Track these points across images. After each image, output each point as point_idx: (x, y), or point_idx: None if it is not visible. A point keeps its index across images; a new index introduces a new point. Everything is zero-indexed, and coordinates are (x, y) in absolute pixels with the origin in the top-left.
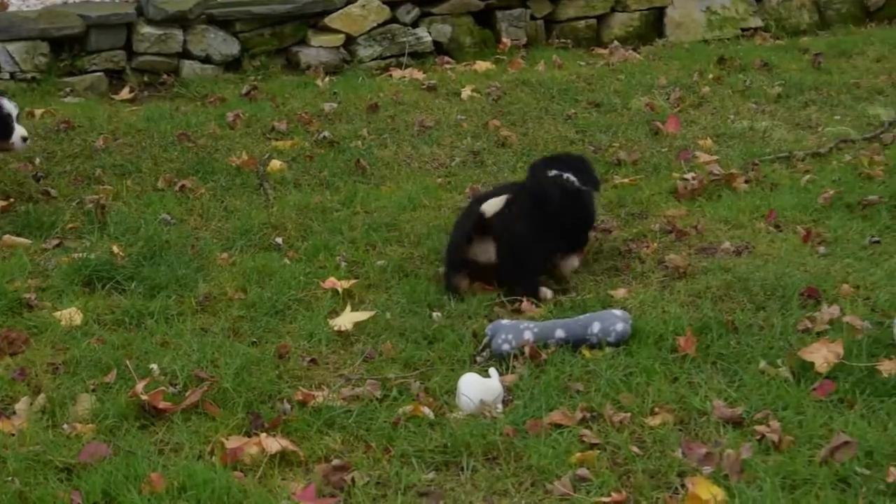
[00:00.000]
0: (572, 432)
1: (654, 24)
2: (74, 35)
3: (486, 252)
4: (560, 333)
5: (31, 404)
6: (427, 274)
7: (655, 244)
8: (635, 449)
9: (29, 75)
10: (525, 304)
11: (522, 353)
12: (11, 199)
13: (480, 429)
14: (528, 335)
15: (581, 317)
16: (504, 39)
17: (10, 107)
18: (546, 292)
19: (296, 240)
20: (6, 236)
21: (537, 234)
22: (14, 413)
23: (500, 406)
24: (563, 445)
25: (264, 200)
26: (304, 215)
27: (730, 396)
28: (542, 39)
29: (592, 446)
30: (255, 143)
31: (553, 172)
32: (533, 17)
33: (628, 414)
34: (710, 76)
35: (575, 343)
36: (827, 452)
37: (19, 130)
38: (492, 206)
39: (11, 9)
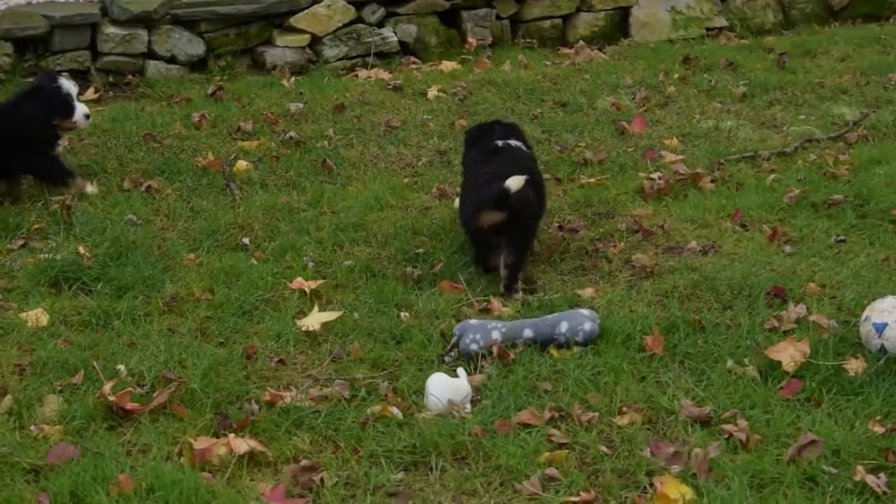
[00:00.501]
0: (541, 432)
1: (620, 24)
2: (38, 35)
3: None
4: (528, 333)
5: None
6: (395, 274)
7: (622, 244)
8: (604, 448)
9: None
10: (493, 304)
11: (490, 353)
12: None
13: (449, 429)
14: (496, 335)
15: (549, 316)
16: (470, 39)
17: (70, 86)
18: None
19: (263, 240)
20: None
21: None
22: None
23: (468, 406)
24: (532, 445)
25: (231, 201)
26: (271, 215)
27: (697, 396)
28: (507, 39)
29: (561, 446)
30: (222, 143)
31: (500, 142)
32: (499, 17)
33: (597, 413)
34: (676, 76)
35: (543, 343)
36: (794, 451)
37: (81, 108)
38: (515, 184)
39: None
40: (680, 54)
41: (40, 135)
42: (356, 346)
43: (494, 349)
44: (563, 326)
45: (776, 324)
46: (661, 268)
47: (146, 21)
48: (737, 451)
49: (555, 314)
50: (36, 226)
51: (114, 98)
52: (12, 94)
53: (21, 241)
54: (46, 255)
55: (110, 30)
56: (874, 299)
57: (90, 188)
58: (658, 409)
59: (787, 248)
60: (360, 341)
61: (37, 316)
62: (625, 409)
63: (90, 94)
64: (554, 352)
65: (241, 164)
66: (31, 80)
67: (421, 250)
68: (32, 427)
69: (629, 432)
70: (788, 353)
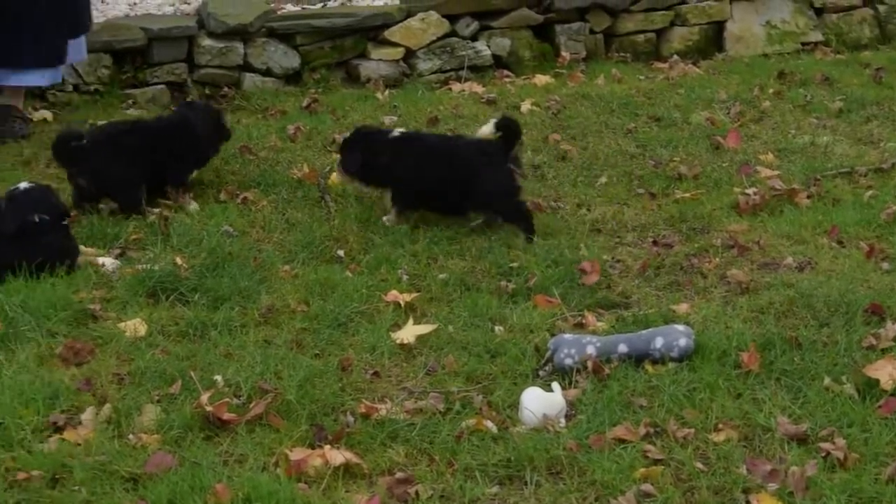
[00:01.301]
0: (636, 447)
1: (714, 39)
2: (136, 48)
3: None
4: (623, 348)
5: (97, 414)
6: (489, 287)
7: (717, 259)
8: (699, 465)
9: (92, 87)
10: (588, 318)
11: (585, 368)
12: (75, 212)
13: (544, 443)
14: (590, 350)
15: (644, 332)
16: (563, 53)
17: None
18: None
19: (357, 252)
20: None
21: None
22: (80, 423)
23: (562, 420)
24: (627, 461)
25: (325, 213)
26: (366, 228)
27: (794, 413)
28: (601, 53)
29: (656, 462)
30: (316, 155)
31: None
32: (592, 31)
33: (692, 430)
34: (771, 91)
35: (638, 358)
36: (893, 470)
37: None
38: None
39: None
40: (775, 69)
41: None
42: (451, 359)
43: (589, 364)
44: (659, 342)
45: (874, 341)
46: (757, 284)
47: (242, 34)
48: (834, 470)
49: (650, 329)
50: (133, 236)
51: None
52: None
53: (118, 251)
54: (144, 266)
55: (207, 42)
56: None
57: (193, 206)
58: (754, 427)
59: (885, 265)
60: (454, 354)
61: (135, 326)
62: (721, 425)
63: None
64: (649, 367)
65: (336, 176)
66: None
67: (515, 264)
68: (131, 436)
69: (725, 449)
70: (887, 372)
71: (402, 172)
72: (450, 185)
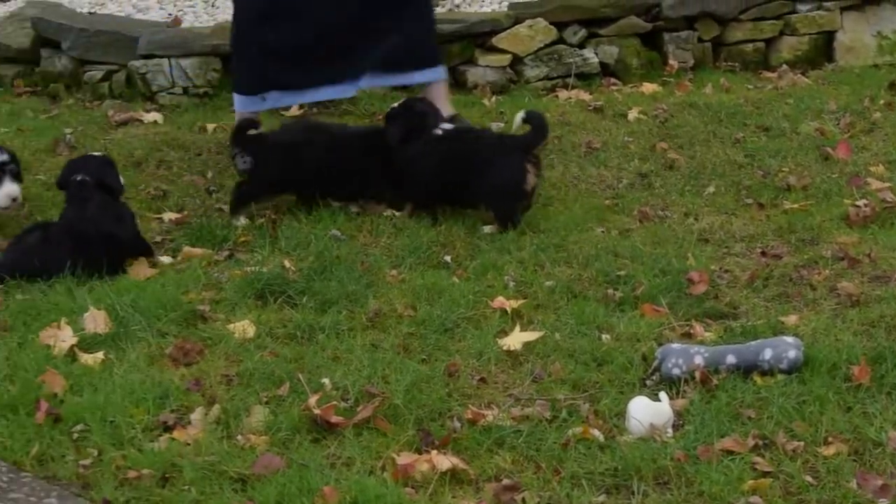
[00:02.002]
0: (744, 459)
1: (823, 49)
2: None
3: None
4: (731, 359)
5: (206, 415)
6: (595, 295)
7: (827, 271)
8: (809, 478)
9: (201, 90)
10: (696, 328)
11: (693, 378)
12: (185, 212)
13: (651, 453)
14: (698, 360)
15: (752, 343)
16: (671, 61)
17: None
18: None
19: (464, 258)
20: (185, 248)
21: None
22: (189, 423)
23: (670, 430)
24: (735, 472)
25: (432, 219)
26: (473, 234)
27: None
28: (709, 62)
29: (765, 474)
30: None
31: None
32: (700, 40)
33: (801, 443)
34: (882, 102)
35: (746, 369)
36: None
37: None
38: None
39: (185, 25)
40: (886, 80)
41: None
42: (557, 366)
43: (697, 374)
44: (768, 353)
45: None
46: (868, 297)
47: None
48: None
49: (758, 341)
50: (242, 238)
51: (317, 114)
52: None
53: (227, 252)
54: (253, 268)
55: None
56: None
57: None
58: (865, 441)
59: None
60: (561, 362)
61: (243, 327)
62: (830, 439)
63: (294, 109)
64: (757, 379)
65: None
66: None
67: (622, 272)
68: (239, 437)
69: (835, 463)
70: None
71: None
72: (458, 177)
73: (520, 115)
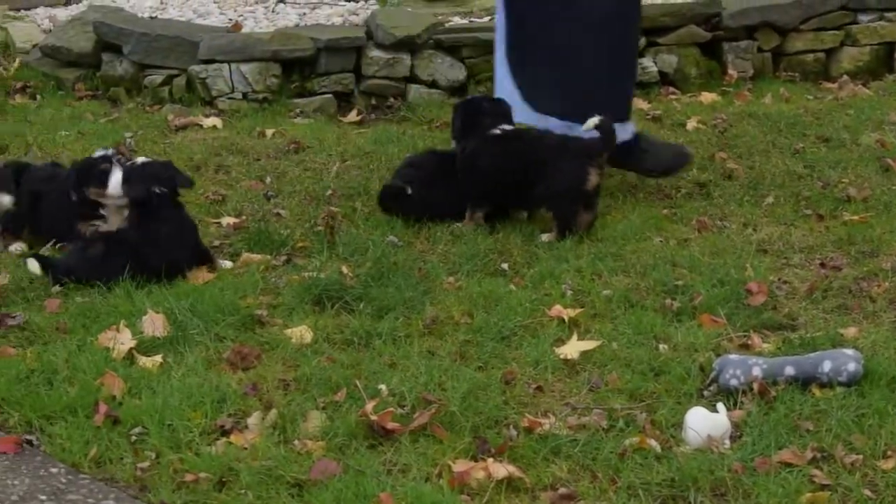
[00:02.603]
0: (802, 472)
1: (885, 60)
2: (305, 57)
3: None
4: (790, 371)
5: (263, 419)
6: (653, 305)
7: (887, 283)
8: (867, 492)
9: (261, 96)
10: (754, 340)
11: (751, 389)
12: (244, 217)
13: (708, 464)
14: (756, 371)
15: (811, 355)
16: (730, 71)
17: None
18: None
19: (521, 266)
20: (245, 253)
21: None
22: (246, 427)
23: (727, 442)
24: (793, 485)
25: (489, 226)
26: (530, 242)
27: None
28: (768, 72)
29: (823, 487)
30: None
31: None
32: (760, 50)
33: (860, 456)
34: None
35: (805, 381)
36: None
37: None
38: None
39: (245, 30)
40: None
41: None
42: (614, 376)
43: (755, 385)
44: (826, 366)
45: None
46: None
47: (410, 45)
48: None
49: (817, 353)
50: (300, 244)
51: (375, 121)
52: None
53: (284, 257)
54: (311, 274)
55: (375, 53)
56: None
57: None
58: None
59: None
60: (617, 371)
61: (301, 333)
62: (890, 452)
63: (353, 116)
64: (816, 391)
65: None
66: (298, 100)
67: (680, 282)
68: (296, 442)
69: (894, 477)
70: None
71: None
72: (521, 177)
73: (593, 120)
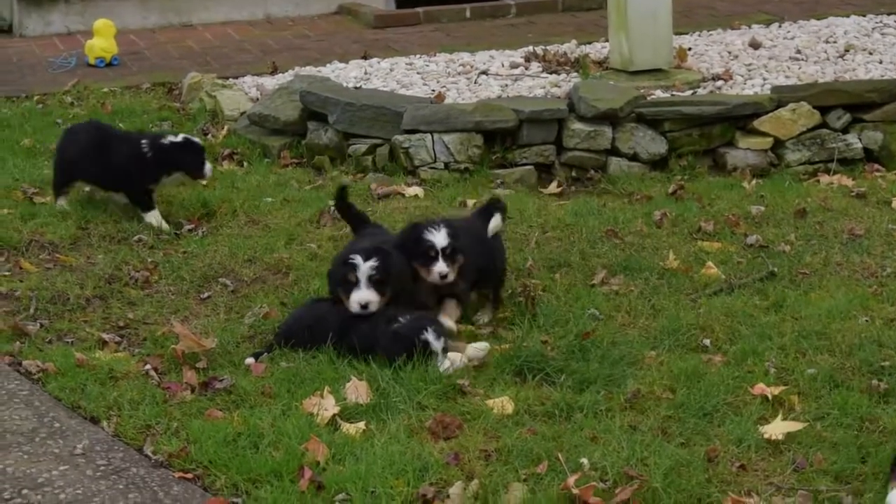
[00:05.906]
0: None
1: None
2: (507, 128)
3: None
4: None
5: (465, 489)
6: (859, 385)
7: None
8: None
9: (462, 166)
10: None
11: None
12: None
13: None
14: None
15: None
16: None
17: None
18: None
19: (723, 342)
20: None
21: None
22: (448, 497)
23: None
24: None
25: (692, 302)
26: (732, 318)
27: None
28: None
29: None
30: (682, 242)
31: None
32: None
33: None
34: None
35: None
36: None
37: None
38: None
39: (448, 101)
40: None
41: None
42: (819, 456)
43: None
44: None
45: None
46: None
47: (611, 118)
48: None
49: None
50: (502, 314)
51: (576, 193)
52: None
53: (488, 329)
54: (512, 344)
55: (576, 126)
56: None
57: None
58: None
59: None
60: (823, 452)
61: (502, 403)
62: None
63: (553, 187)
64: None
65: (710, 268)
66: (499, 171)
67: (887, 363)
68: None
69: None
70: None
71: None
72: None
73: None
